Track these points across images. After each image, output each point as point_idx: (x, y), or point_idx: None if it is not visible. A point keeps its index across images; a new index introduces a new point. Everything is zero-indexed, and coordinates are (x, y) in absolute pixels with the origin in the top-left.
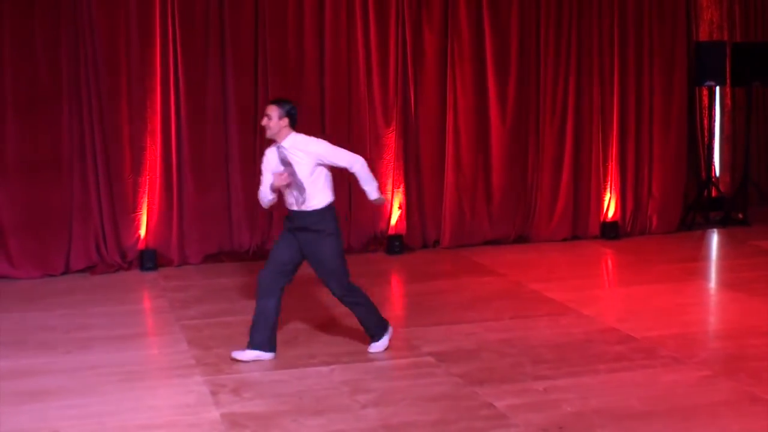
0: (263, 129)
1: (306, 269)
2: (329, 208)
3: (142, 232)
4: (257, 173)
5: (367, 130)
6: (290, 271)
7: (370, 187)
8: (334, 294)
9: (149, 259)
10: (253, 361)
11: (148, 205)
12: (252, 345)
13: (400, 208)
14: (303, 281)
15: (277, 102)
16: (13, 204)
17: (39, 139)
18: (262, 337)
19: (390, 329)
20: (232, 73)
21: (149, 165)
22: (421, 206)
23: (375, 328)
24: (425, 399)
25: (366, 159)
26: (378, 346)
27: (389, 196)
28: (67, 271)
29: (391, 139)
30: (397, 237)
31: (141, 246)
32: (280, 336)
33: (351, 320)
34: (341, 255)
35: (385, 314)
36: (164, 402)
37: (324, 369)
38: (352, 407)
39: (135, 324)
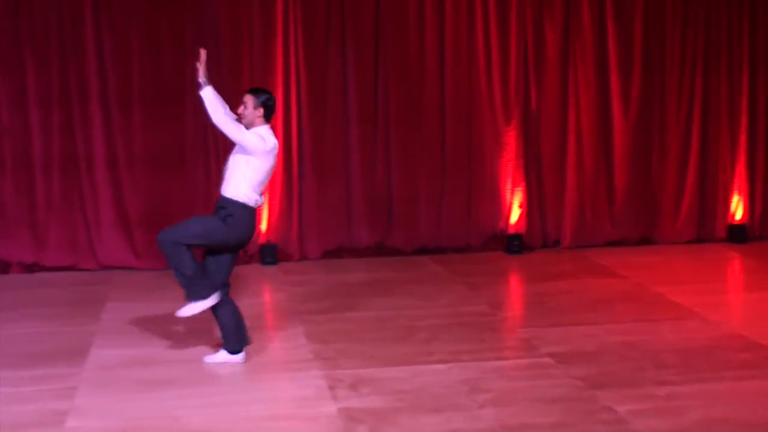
0: (239, 116)
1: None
2: (247, 208)
3: (263, 226)
4: (377, 169)
5: (487, 129)
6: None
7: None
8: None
9: (270, 254)
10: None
11: (268, 201)
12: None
13: (520, 207)
14: (418, 279)
15: (254, 92)
16: (139, 197)
17: (164, 134)
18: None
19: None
20: (353, 70)
21: None
22: (542, 205)
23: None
24: (544, 400)
25: (486, 156)
26: (187, 309)
27: (509, 195)
28: None
29: (511, 138)
30: (517, 236)
31: (262, 240)
32: (399, 333)
33: (472, 319)
34: (210, 241)
35: (505, 314)
36: (283, 395)
37: (442, 367)
38: (469, 406)
39: (255, 317)
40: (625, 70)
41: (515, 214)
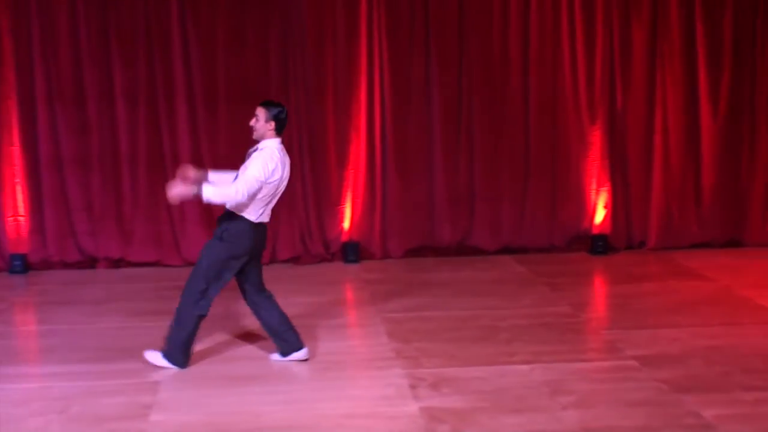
0: (251, 129)
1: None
2: (245, 221)
3: (346, 224)
4: (460, 168)
5: (572, 128)
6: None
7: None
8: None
9: (352, 252)
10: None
11: (351, 199)
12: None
13: (605, 207)
14: (501, 279)
15: (266, 105)
16: None
17: (247, 131)
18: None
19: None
20: (437, 69)
21: (353, 159)
22: (627, 206)
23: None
24: (628, 403)
25: (570, 156)
26: (153, 357)
27: (593, 195)
28: (272, 260)
29: (596, 137)
30: (601, 237)
31: (344, 238)
32: (481, 333)
33: (554, 320)
34: (218, 266)
35: (588, 315)
36: (364, 393)
37: (524, 368)
38: (551, 408)
39: (337, 315)
40: (713, 68)
41: (600, 215)
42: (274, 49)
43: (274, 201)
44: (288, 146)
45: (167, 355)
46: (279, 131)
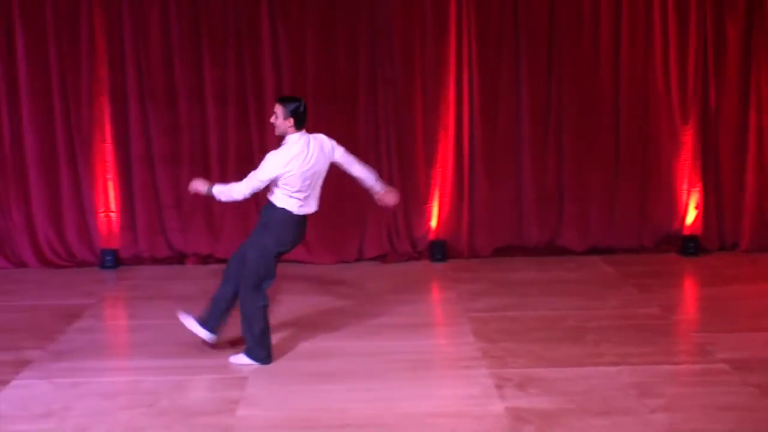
0: (273, 126)
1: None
2: (286, 212)
3: (433, 223)
4: (548, 167)
5: (664, 127)
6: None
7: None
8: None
9: (439, 251)
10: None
11: (439, 197)
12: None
13: (696, 208)
14: (589, 279)
15: (283, 101)
16: None
17: (335, 130)
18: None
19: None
20: (526, 68)
21: (441, 158)
22: (719, 207)
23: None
24: (718, 407)
25: (662, 156)
26: (238, 359)
27: (684, 196)
28: (360, 258)
29: (688, 137)
30: (692, 238)
31: (431, 237)
32: (568, 333)
33: (643, 321)
34: (266, 257)
35: (678, 317)
36: (450, 392)
37: (611, 369)
38: (639, 410)
39: (423, 313)
40: None
41: (691, 215)
42: (363, 49)
43: (314, 192)
44: (375, 145)
45: (248, 353)
46: (299, 125)
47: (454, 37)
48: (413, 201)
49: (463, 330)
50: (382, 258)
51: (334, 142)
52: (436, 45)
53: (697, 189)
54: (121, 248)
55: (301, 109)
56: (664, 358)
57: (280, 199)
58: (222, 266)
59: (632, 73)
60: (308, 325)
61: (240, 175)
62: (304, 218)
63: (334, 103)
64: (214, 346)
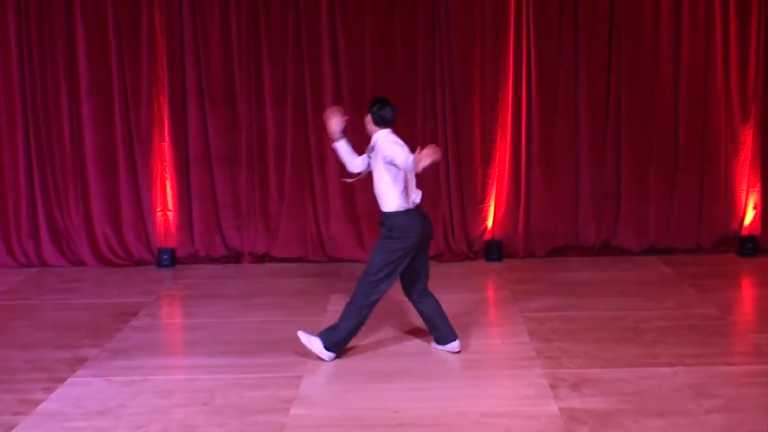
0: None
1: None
2: (402, 212)
3: (489, 223)
4: (606, 167)
5: (723, 127)
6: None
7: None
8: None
9: (495, 250)
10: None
11: (495, 197)
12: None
13: (754, 208)
14: (646, 280)
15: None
16: (367, 191)
17: (395, 129)
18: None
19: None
20: (585, 67)
21: (499, 157)
22: None
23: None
24: None
25: (720, 156)
26: (311, 342)
27: (743, 196)
28: None
29: (748, 137)
30: (751, 238)
31: (487, 237)
32: (624, 334)
33: (700, 322)
34: (392, 263)
35: (736, 318)
36: (504, 392)
37: (667, 370)
38: (695, 412)
39: (479, 313)
40: None
41: (750, 216)
42: (422, 48)
43: (410, 182)
44: (433, 143)
45: (327, 343)
46: (377, 123)
47: (513, 36)
48: (470, 200)
49: (519, 330)
50: (437, 257)
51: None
52: (495, 44)
53: (756, 189)
54: (178, 247)
55: (376, 108)
56: (721, 359)
57: (393, 202)
58: (279, 265)
59: (692, 73)
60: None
61: (298, 174)
62: (420, 209)
63: (393, 101)
64: (272, 345)
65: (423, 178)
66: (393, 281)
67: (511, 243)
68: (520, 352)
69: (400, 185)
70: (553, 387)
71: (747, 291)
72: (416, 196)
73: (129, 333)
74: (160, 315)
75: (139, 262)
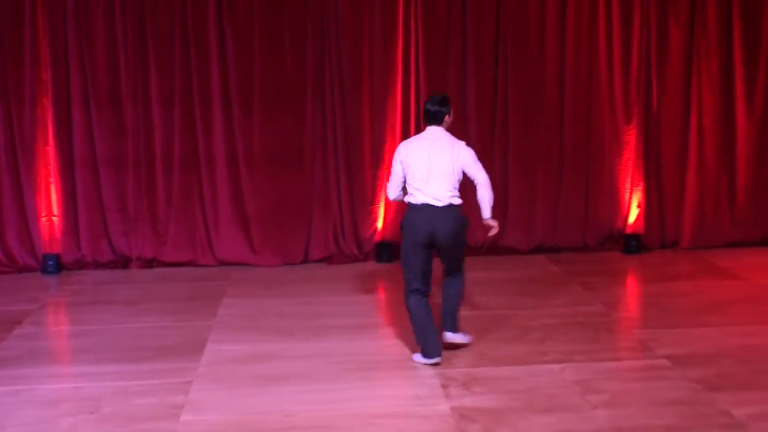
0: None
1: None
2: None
3: (379, 224)
4: (494, 167)
5: (607, 127)
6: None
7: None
8: None
9: (385, 252)
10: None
11: (385, 199)
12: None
13: (638, 206)
14: (534, 278)
15: None
16: (257, 194)
17: (283, 131)
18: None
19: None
20: (473, 68)
21: (388, 158)
22: (661, 205)
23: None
24: (659, 403)
25: (605, 155)
26: (459, 338)
27: (627, 194)
28: (305, 260)
29: (631, 136)
30: (635, 236)
31: (377, 238)
32: (513, 332)
33: (587, 319)
34: (403, 256)
35: (621, 314)
36: (396, 392)
37: (555, 367)
38: (582, 407)
39: (370, 314)
40: (750, 66)
41: (633, 214)
42: (311, 50)
43: (414, 182)
44: (323, 146)
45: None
46: (426, 120)
47: (402, 37)
48: (360, 202)
49: (409, 330)
50: (328, 259)
51: None
52: (384, 44)
53: (640, 188)
54: (64, 253)
55: (426, 106)
56: (608, 355)
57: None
58: (168, 269)
59: (577, 74)
60: (254, 328)
61: (186, 177)
62: (419, 208)
63: (281, 104)
64: (161, 351)
65: (312, 181)
66: (411, 274)
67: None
68: (411, 352)
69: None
70: (444, 386)
71: (632, 288)
72: (414, 198)
73: (13, 342)
74: (46, 323)
75: (23, 269)
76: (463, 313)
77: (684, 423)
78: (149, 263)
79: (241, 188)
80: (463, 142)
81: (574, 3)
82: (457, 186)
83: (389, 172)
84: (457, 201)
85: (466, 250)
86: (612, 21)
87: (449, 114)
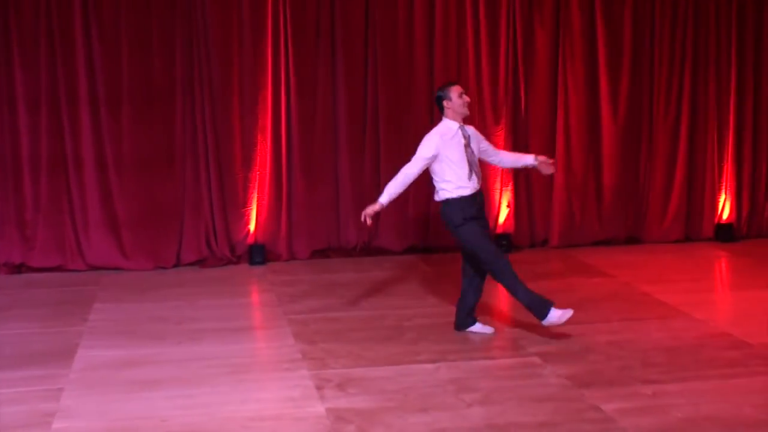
0: (469, 104)
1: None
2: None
3: (252, 226)
4: (365, 169)
5: (476, 128)
6: None
7: None
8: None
9: (258, 254)
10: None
11: (257, 201)
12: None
13: (508, 206)
14: (407, 279)
15: None
16: (128, 197)
17: (153, 134)
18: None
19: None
20: (343, 71)
21: (259, 161)
22: (530, 205)
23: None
24: (531, 399)
25: None
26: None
27: (497, 195)
28: (178, 264)
29: (500, 137)
30: (505, 236)
31: (250, 240)
32: (387, 333)
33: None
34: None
35: (493, 313)
36: (271, 395)
37: (429, 366)
38: (457, 406)
39: (243, 317)
40: (613, 69)
41: (503, 214)
42: (180, 51)
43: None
44: (193, 148)
45: (539, 312)
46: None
47: (271, 38)
48: (231, 205)
49: (283, 332)
50: (200, 263)
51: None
52: (254, 46)
53: (509, 188)
54: None
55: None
56: (480, 354)
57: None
58: (36, 275)
59: (445, 74)
60: (126, 333)
61: (54, 180)
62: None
63: (150, 107)
64: (31, 357)
65: (183, 184)
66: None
67: (274, 246)
68: (285, 354)
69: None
70: (318, 388)
71: (502, 287)
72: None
73: None
74: None
75: None
76: (338, 314)
77: (556, 419)
78: (17, 269)
79: (111, 191)
80: (433, 130)
81: (441, 5)
82: (437, 180)
83: (261, 174)
84: (438, 197)
85: (474, 243)
86: (479, 23)
87: (445, 98)
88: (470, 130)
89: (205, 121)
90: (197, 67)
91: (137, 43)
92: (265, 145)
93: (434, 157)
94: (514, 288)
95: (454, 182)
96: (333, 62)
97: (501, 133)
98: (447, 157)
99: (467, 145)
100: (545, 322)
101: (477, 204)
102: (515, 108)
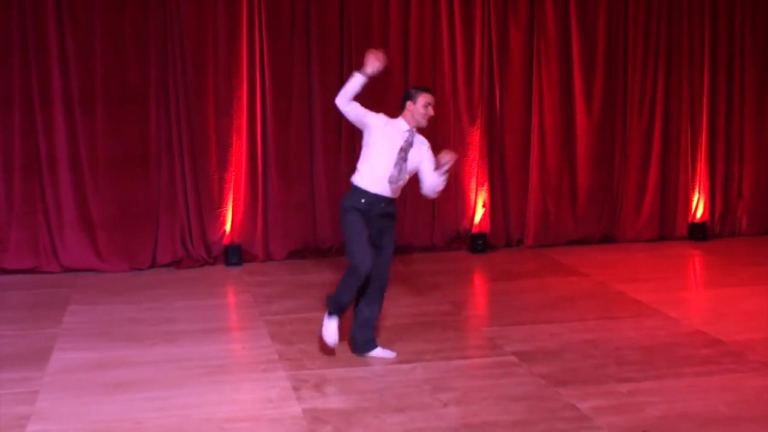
0: (430, 118)
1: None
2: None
3: (227, 227)
4: (341, 170)
5: (452, 128)
6: None
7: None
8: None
9: (234, 255)
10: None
11: (233, 201)
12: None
13: (483, 206)
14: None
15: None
16: (102, 199)
17: (127, 135)
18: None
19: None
20: (318, 72)
21: (235, 161)
22: (505, 205)
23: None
24: (507, 398)
25: None
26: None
27: (473, 195)
28: (153, 265)
29: (475, 138)
30: (481, 235)
31: (226, 241)
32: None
33: (435, 318)
34: None
35: (469, 313)
36: (247, 396)
37: (405, 367)
38: (433, 405)
39: (219, 318)
40: (588, 70)
41: (479, 214)
42: (154, 51)
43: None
44: (168, 149)
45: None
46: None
47: (246, 39)
48: (207, 206)
49: (260, 333)
50: (176, 264)
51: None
52: (228, 47)
53: (485, 188)
54: None
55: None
56: (456, 353)
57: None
58: (10, 277)
59: (421, 76)
60: (101, 335)
61: (27, 181)
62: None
63: (124, 108)
64: (3, 360)
65: (158, 184)
66: None
67: (250, 247)
68: (262, 355)
69: None
70: (295, 389)
71: (479, 286)
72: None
73: None
74: None
75: None
76: (315, 314)
77: (532, 417)
78: None
79: (86, 193)
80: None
81: (417, 6)
82: (359, 162)
83: (236, 175)
84: (351, 179)
85: (348, 234)
86: (454, 24)
87: (410, 99)
88: (421, 142)
89: (180, 122)
90: (172, 68)
91: (111, 44)
92: (241, 146)
93: (364, 124)
94: (340, 299)
95: (367, 175)
96: (308, 63)
97: (476, 133)
98: (375, 142)
99: (402, 150)
100: (358, 353)
101: (381, 210)
102: (490, 108)
